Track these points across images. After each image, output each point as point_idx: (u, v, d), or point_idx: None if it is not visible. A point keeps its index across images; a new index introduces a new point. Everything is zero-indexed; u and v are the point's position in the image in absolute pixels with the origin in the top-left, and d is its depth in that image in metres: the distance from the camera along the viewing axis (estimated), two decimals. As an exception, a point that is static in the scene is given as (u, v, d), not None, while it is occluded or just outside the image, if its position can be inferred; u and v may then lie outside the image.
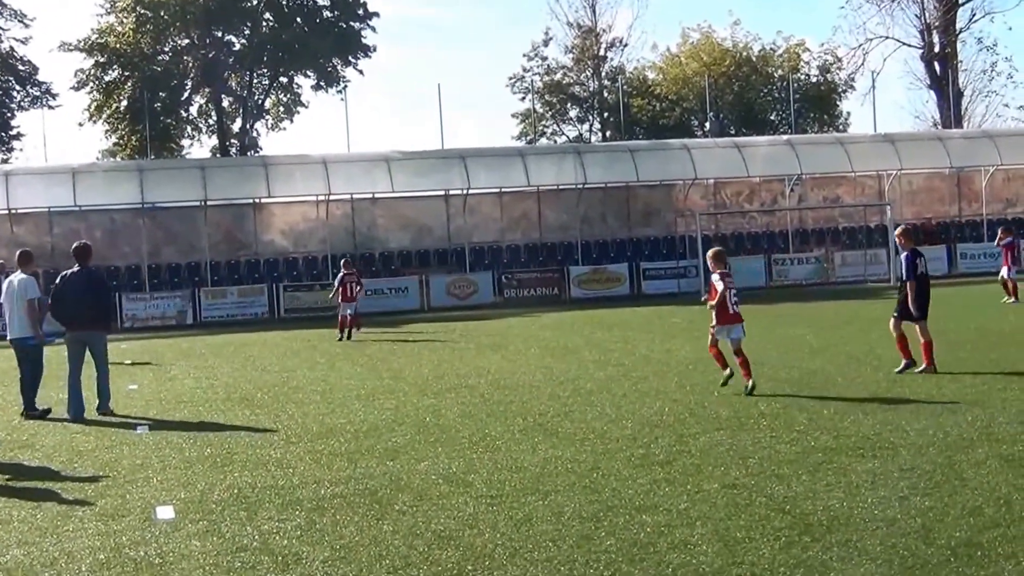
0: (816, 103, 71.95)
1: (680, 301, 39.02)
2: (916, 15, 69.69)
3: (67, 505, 9.99)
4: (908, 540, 7.52)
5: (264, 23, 63.05)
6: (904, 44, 70.39)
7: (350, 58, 64.21)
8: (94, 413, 16.10)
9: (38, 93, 61.00)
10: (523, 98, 72.67)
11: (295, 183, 45.81)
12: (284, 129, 67.64)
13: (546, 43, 73.51)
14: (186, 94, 64.28)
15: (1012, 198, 53.06)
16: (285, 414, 15.23)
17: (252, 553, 8.02)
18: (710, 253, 16.19)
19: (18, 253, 17.39)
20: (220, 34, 62.57)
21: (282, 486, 10.29)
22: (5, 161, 59.56)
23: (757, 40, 73.49)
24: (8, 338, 16.98)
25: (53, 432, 14.67)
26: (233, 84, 64.92)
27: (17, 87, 61.44)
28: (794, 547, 7.50)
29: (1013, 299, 29.02)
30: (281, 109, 66.50)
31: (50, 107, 60.82)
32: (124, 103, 61.19)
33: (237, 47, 63.68)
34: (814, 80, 73.11)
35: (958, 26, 69.31)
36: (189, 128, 65.93)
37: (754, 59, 72.21)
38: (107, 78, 61.69)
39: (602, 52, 73.17)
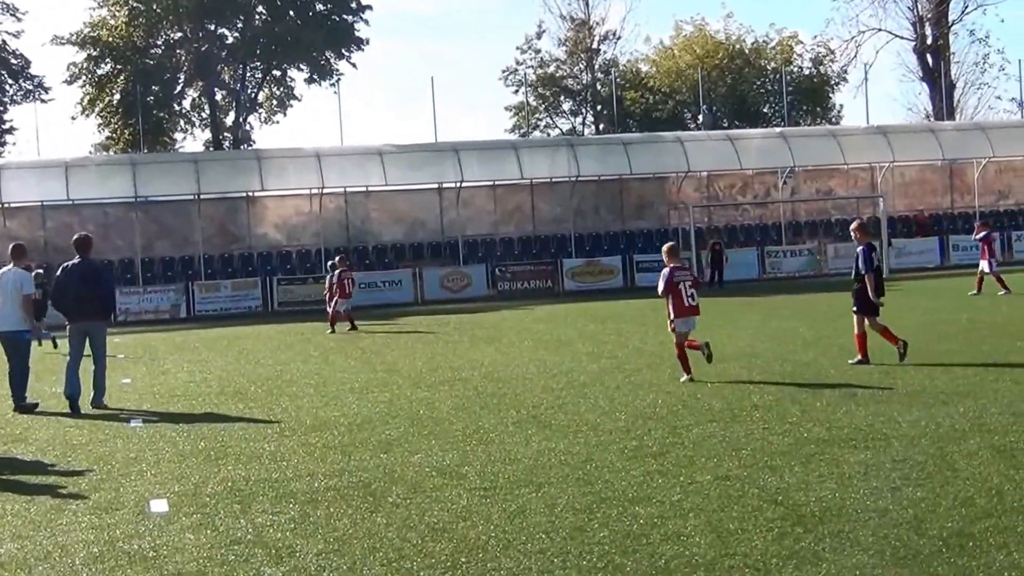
0: (809, 95, 72.04)
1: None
2: (908, 7, 69.90)
3: (61, 499, 9.99)
4: (900, 531, 7.54)
5: (257, 16, 62.97)
6: (897, 36, 70.57)
7: (343, 51, 64.18)
8: (88, 407, 16.09)
9: (31, 87, 60.89)
10: (516, 91, 72.77)
11: (288, 176, 45.83)
12: (277, 122, 67.65)
13: (539, 36, 73.62)
14: (179, 88, 64.24)
15: (1004, 190, 53.21)
16: (279, 407, 15.23)
17: (246, 546, 8.02)
18: (664, 248, 16.60)
19: (11, 247, 17.36)
20: (213, 27, 62.49)
21: (276, 479, 10.30)
22: (-2, 155, 59.49)
23: (750, 33, 73.66)
24: None
25: (46, 426, 14.66)
26: (226, 77, 64.86)
27: (9, 81, 61.31)
28: (787, 538, 7.52)
29: (1004, 291, 29.10)
30: (274, 102, 66.44)
31: (43, 101, 60.79)
32: (117, 97, 61.11)
33: (230, 40, 63.61)
34: (807, 72, 73.22)
35: (950, 18, 69.46)
36: (182, 122, 65.90)
37: (747, 52, 72.30)
38: (100, 72, 61.61)
39: (595, 45, 73.24)
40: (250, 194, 46.38)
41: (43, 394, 17.63)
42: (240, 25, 63.20)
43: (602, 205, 49.62)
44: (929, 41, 68.93)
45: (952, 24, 69.69)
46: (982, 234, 31.20)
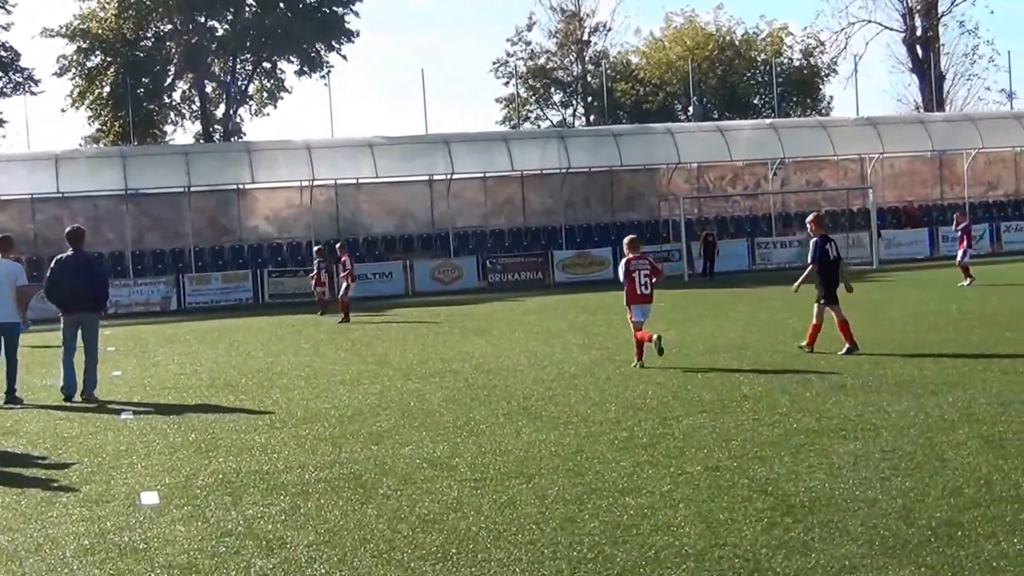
0: (799, 87, 72.06)
1: (663, 285, 39.06)
2: (898, -2, 69.82)
3: (51, 491, 9.99)
4: (889, 520, 7.57)
5: (247, 8, 62.73)
6: (886, 28, 70.58)
7: (333, 43, 63.94)
8: (79, 399, 16.11)
9: (20, 79, 60.55)
10: (507, 83, 72.71)
11: (279, 169, 45.76)
12: (267, 115, 67.48)
13: (530, 28, 73.55)
14: (169, 80, 64.00)
15: (993, 181, 53.32)
16: (270, 399, 15.23)
17: (237, 538, 8.03)
18: (625, 240, 17.56)
19: (-1, 238, 17.31)
20: (203, 19, 62.25)
21: (267, 471, 10.31)
22: (-13, 148, 59.28)
23: (740, 24, 73.71)
24: None
25: (37, 418, 14.64)
26: (216, 69, 64.63)
27: (-1, 73, 61.09)
28: (776, 528, 7.55)
29: (967, 281, 29.34)
30: (264, 95, 66.22)
31: (32, 93, 60.41)
32: (107, 89, 60.85)
33: (220, 32, 63.36)
34: (797, 64, 73.24)
35: (940, 9, 69.50)
36: (172, 114, 65.66)
37: (737, 43, 72.32)
38: (89, 64, 61.34)
39: (585, 36, 73.19)
40: (240, 186, 46.31)
41: (33, 387, 17.62)
42: (230, 17, 62.95)
43: (592, 197, 49.63)
44: (919, 32, 68.96)
45: (942, 15, 69.78)
46: (964, 224, 31.31)
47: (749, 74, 72.01)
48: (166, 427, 13.25)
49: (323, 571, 7.16)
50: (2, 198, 43.71)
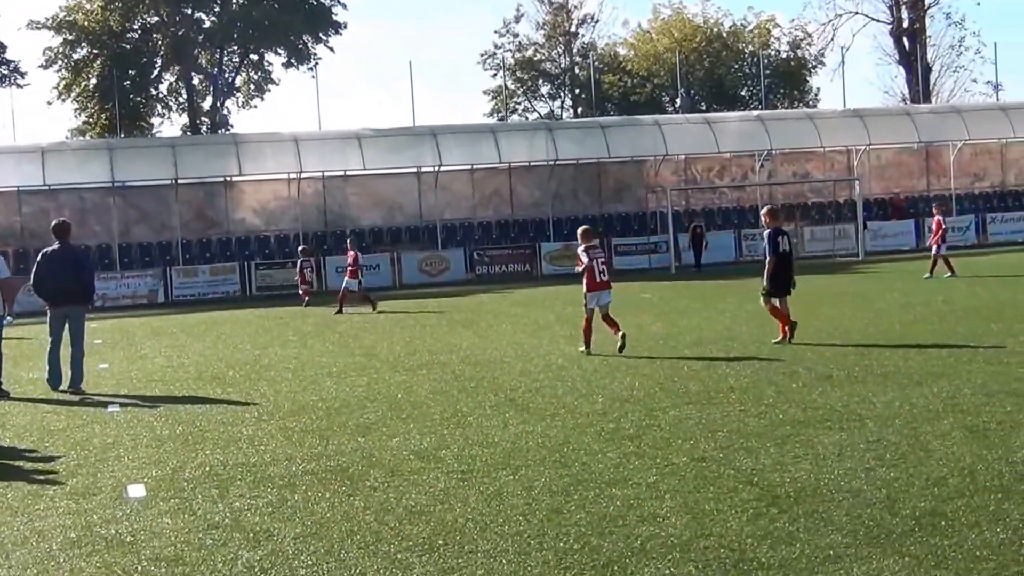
0: (786, 79, 72.15)
1: (651, 277, 39.19)
2: (885, -10, 69.89)
3: (38, 484, 9.99)
4: (873, 510, 7.62)
5: (234, 0, 62.59)
6: (873, 19, 70.64)
7: (321, 35, 63.82)
8: (64, 388, 16.13)
9: (6, 72, 60.35)
10: (495, 75, 72.68)
11: (266, 161, 45.69)
12: (255, 107, 67.30)
13: (517, 19, 73.54)
14: (156, 72, 63.81)
15: (979, 172, 53.44)
16: (257, 392, 15.24)
17: (224, 530, 8.04)
18: (579, 231, 18.61)
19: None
20: (190, 11, 62.06)
21: (254, 463, 10.32)
22: (-27, 140, 59.08)
23: (728, 16, 73.84)
24: None
25: (24, 411, 14.63)
26: (203, 62, 64.46)
27: (-15, 66, 60.87)
28: (761, 518, 7.59)
29: (929, 275, 29.52)
30: (252, 87, 66.06)
31: (18, 86, 60.25)
32: (93, 81, 60.66)
33: (207, 24, 63.18)
34: (784, 56, 73.31)
35: (926, 1, 69.53)
36: (159, 106, 65.45)
37: (725, 35, 72.37)
38: (76, 56, 61.11)
39: (573, 28, 73.20)
40: (228, 179, 46.20)
41: (20, 380, 17.59)
42: (217, 9, 62.78)
43: (580, 189, 49.63)
44: (905, 24, 69.05)
45: (928, 7, 69.82)
46: (939, 215, 31.39)
47: (736, 66, 72.08)
48: (153, 420, 13.25)
49: (310, 563, 7.18)
50: (-12, 190, 43.58)
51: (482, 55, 73.57)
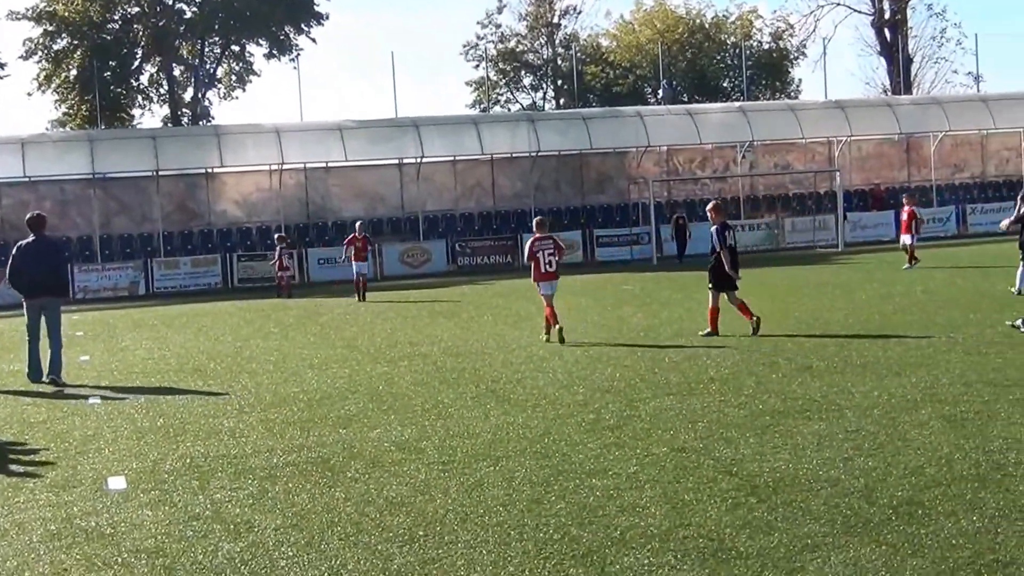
0: (768, 70, 72.28)
1: (633, 268, 39.25)
2: (867, -19, 70.06)
3: (18, 476, 9.97)
4: (851, 500, 7.67)
5: (215, -9, 62.36)
6: (855, 11, 70.84)
7: (302, 26, 63.65)
8: (45, 380, 16.13)
9: (-15, 63, 60.11)
10: (477, 66, 72.68)
11: (248, 152, 45.55)
12: (236, 98, 66.98)
13: (500, 10, 73.53)
14: (136, 63, 63.52)
15: (960, 163, 53.64)
16: (238, 384, 15.22)
17: (204, 522, 8.05)
18: (535, 221, 19.03)
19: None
20: (171, 2, 61.82)
21: (234, 455, 10.32)
22: (-48, 132, 58.71)
23: (710, 7, 73.91)
24: None
25: (3, 404, 14.59)
26: (184, 53, 64.22)
27: (-36, 57, 60.49)
28: (740, 508, 7.63)
29: (908, 265, 29.64)
30: (233, 78, 65.84)
31: (-1, 77, 60.00)
32: (74, 72, 60.41)
33: (188, 15, 62.93)
34: (766, 47, 73.44)
35: (908, -8, 69.72)
36: (140, 97, 65.18)
37: (707, 26, 72.41)
38: (56, 47, 60.80)
39: (556, 19, 73.21)
40: (209, 170, 46.04)
41: (0, 372, 17.54)
42: (198, 0, 62.61)
43: (562, 180, 49.64)
44: (887, 15, 69.24)
45: (910, -2, 70.05)
46: (911, 207, 31.51)
47: (719, 57, 72.15)
48: (134, 412, 13.23)
49: (291, 554, 7.19)
50: (-32, 183, 43.36)
51: (464, 46, 73.63)
